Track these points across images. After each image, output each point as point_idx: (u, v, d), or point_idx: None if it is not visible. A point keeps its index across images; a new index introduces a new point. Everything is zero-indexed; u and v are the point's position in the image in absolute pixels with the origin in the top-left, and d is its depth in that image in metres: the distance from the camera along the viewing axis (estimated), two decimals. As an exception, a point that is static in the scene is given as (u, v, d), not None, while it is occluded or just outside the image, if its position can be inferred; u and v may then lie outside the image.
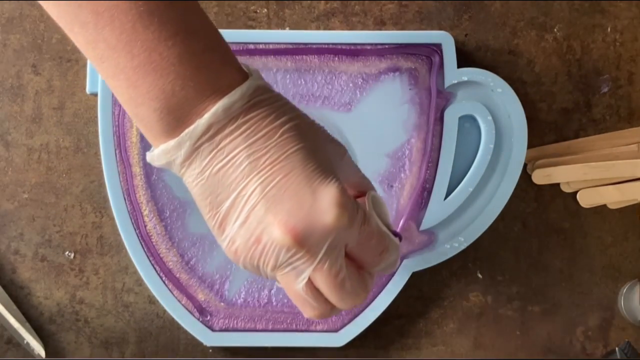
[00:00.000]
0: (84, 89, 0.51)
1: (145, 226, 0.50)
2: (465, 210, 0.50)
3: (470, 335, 0.52)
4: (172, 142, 0.31)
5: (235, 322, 0.50)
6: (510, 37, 0.53)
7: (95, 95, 0.50)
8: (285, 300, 0.50)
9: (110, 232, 0.51)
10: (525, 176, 0.52)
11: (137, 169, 0.50)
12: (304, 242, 0.30)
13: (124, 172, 0.49)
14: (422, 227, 0.50)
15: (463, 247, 0.50)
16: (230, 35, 0.50)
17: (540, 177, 0.52)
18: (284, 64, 0.51)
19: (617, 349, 0.50)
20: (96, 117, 0.51)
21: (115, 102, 0.50)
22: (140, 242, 0.49)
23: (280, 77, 0.51)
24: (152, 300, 0.51)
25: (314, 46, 0.50)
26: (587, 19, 0.53)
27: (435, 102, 0.51)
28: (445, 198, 0.50)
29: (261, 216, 0.30)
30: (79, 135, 0.52)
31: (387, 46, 0.50)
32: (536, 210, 0.53)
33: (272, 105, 0.31)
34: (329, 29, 0.53)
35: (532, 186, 0.53)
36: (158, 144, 0.32)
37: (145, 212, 0.50)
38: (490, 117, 0.50)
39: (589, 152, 0.53)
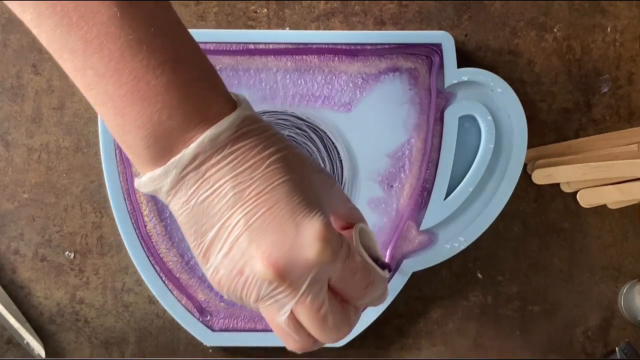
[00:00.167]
0: (84, 89, 0.51)
1: (145, 226, 0.50)
2: (465, 210, 0.50)
3: (470, 335, 0.52)
4: (158, 171, 0.31)
5: (235, 322, 0.50)
6: (510, 37, 0.53)
7: (95, 95, 0.50)
8: (285, 300, 0.50)
9: (110, 232, 0.51)
10: (525, 176, 0.52)
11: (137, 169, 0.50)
12: (285, 276, 0.30)
13: (124, 172, 0.49)
14: (422, 227, 0.50)
15: (463, 247, 0.50)
16: (230, 35, 0.50)
17: (540, 177, 0.52)
18: (284, 64, 0.51)
19: (617, 349, 0.50)
20: (96, 117, 0.51)
21: (115, 102, 0.50)
22: (140, 242, 0.49)
23: (280, 77, 0.51)
24: (152, 300, 0.51)
25: (314, 46, 0.50)
26: (587, 19, 0.53)
27: (435, 102, 0.51)
28: (445, 198, 0.50)
29: (244, 248, 0.30)
30: (79, 135, 0.52)
31: (387, 46, 0.50)
32: (536, 210, 0.53)
33: (260, 136, 0.31)
34: (329, 29, 0.53)
35: (532, 186, 0.53)
36: (145, 172, 0.31)
37: (145, 212, 0.50)
38: (490, 117, 0.50)
39: (589, 152, 0.53)
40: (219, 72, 0.50)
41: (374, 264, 0.35)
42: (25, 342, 0.50)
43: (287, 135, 0.50)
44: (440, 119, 0.50)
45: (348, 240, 0.34)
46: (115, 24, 0.29)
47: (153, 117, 0.30)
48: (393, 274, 0.49)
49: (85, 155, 0.52)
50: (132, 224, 0.49)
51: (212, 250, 0.31)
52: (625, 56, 0.53)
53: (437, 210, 0.50)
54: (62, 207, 0.52)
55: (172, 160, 0.30)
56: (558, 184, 0.52)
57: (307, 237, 0.30)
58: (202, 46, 0.50)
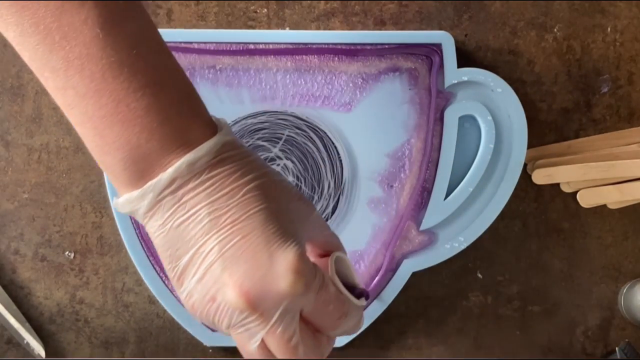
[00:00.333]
0: (84, 89, 0.51)
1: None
2: (465, 210, 0.50)
3: (470, 335, 0.52)
4: (135, 193, 0.31)
5: (235, 322, 0.50)
6: (510, 37, 0.53)
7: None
8: (285, 300, 0.50)
9: (110, 232, 0.51)
10: (525, 176, 0.52)
11: (137, 169, 0.50)
12: (257, 306, 0.30)
13: (124, 172, 0.49)
14: (422, 227, 0.50)
15: (463, 247, 0.50)
16: (230, 35, 0.50)
17: (540, 177, 0.52)
18: (284, 64, 0.51)
19: (617, 349, 0.50)
20: (96, 117, 0.51)
21: (115, 102, 0.50)
22: (140, 242, 0.49)
23: (280, 77, 0.51)
24: (152, 300, 0.51)
25: (314, 46, 0.50)
26: (587, 19, 0.53)
27: (435, 102, 0.51)
28: (445, 198, 0.50)
29: (217, 275, 0.30)
30: (79, 135, 0.52)
31: (387, 46, 0.50)
32: (536, 210, 0.53)
33: (239, 162, 0.31)
34: (329, 29, 0.53)
35: (532, 186, 0.52)
36: (123, 192, 0.31)
37: (145, 212, 0.50)
38: (490, 117, 0.50)
39: (589, 152, 0.53)
40: (218, 72, 0.50)
41: (348, 294, 0.35)
42: (25, 342, 0.50)
43: (287, 135, 0.50)
44: (440, 119, 0.50)
45: (323, 270, 0.34)
46: (97, 45, 0.29)
47: (132, 139, 0.30)
48: (393, 274, 0.49)
49: (85, 155, 0.52)
50: (132, 224, 0.49)
51: (186, 274, 0.31)
52: (625, 56, 0.53)
53: (437, 210, 0.50)
54: (62, 207, 0.52)
55: (149, 183, 0.30)
56: (558, 184, 0.52)
57: (280, 268, 0.30)
58: (202, 46, 0.50)
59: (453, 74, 0.50)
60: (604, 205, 0.53)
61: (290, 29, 0.53)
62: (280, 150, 0.50)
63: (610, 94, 0.53)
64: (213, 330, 0.49)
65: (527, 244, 0.53)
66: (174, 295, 0.49)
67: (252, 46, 0.50)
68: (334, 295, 0.33)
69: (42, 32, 0.28)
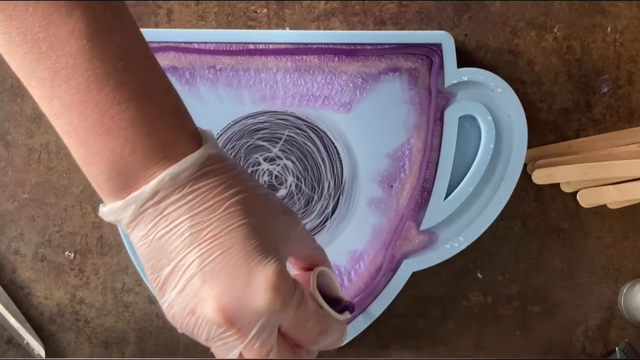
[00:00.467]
0: (84, 89, 0.51)
1: (145, 226, 0.50)
2: (465, 210, 0.50)
3: (470, 335, 0.52)
4: (119, 203, 0.31)
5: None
6: (510, 37, 0.53)
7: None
8: (285, 300, 0.50)
9: (110, 232, 0.51)
10: (525, 176, 0.52)
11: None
12: (234, 322, 0.30)
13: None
14: (422, 227, 0.50)
15: (463, 247, 0.50)
16: (230, 35, 0.50)
17: (540, 177, 0.52)
18: (284, 64, 0.51)
19: (617, 349, 0.50)
20: (96, 117, 0.51)
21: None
22: (140, 242, 0.49)
23: (280, 77, 0.51)
24: (152, 300, 0.51)
25: (314, 46, 0.50)
26: (587, 19, 0.53)
27: (435, 102, 0.51)
28: (445, 198, 0.50)
29: (197, 289, 0.30)
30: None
31: (387, 46, 0.50)
32: (536, 210, 0.53)
33: (223, 176, 0.31)
34: (329, 29, 0.53)
35: (532, 186, 0.53)
36: (107, 202, 0.32)
37: (145, 212, 0.50)
38: (490, 117, 0.50)
39: (589, 152, 0.53)
40: (218, 72, 0.50)
41: (330, 310, 0.35)
42: (25, 342, 0.50)
43: (287, 135, 0.50)
44: (440, 119, 0.50)
45: (305, 284, 0.34)
46: (83, 56, 0.29)
47: (115, 151, 0.30)
48: (393, 274, 0.49)
49: (85, 155, 0.52)
50: (132, 224, 0.49)
51: (167, 286, 0.31)
52: (625, 56, 0.53)
53: (437, 210, 0.50)
54: (62, 207, 0.52)
55: (132, 195, 0.30)
56: (558, 184, 0.52)
57: (258, 285, 0.30)
58: (202, 46, 0.50)
59: (453, 74, 0.50)
60: (604, 205, 0.53)
61: (290, 29, 0.53)
62: (280, 150, 0.50)
63: (610, 94, 0.53)
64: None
65: (527, 244, 0.53)
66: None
67: (252, 46, 0.50)
68: (313, 312, 0.33)
69: (29, 42, 0.29)
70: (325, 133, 0.50)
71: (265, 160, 0.50)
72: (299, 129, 0.50)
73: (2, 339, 0.51)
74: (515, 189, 0.50)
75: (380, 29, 0.53)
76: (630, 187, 0.52)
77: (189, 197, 0.30)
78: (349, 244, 0.50)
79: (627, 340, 0.51)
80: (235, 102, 0.51)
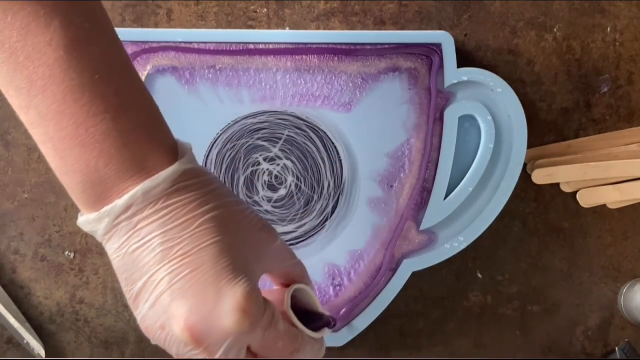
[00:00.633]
0: (84, 89, 0.51)
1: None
2: (465, 210, 0.50)
3: (470, 335, 0.52)
4: (93, 215, 0.31)
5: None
6: (510, 37, 0.53)
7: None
8: (285, 300, 0.50)
9: (110, 232, 0.51)
10: (525, 176, 0.52)
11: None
12: (201, 341, 0.30)
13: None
14: (422, 227, 0.50)
15: (463, 247, 0.50)
16: (230, 35, 0.50)
17: (540, 177, 0.52)
18: (284, 64, 0.51)
19: (617, 349, 0.50)
20: (96, 117, 0.51)
21: (115, 102, 0.50)
22: (140, 242, 0.49)
23: (280, 77, 0.51)
24: (152, 300, 0.51)
25: (314, 46, 0.50)
26: (587, 19, 0.53)
27: (435, 102, 0.51)
28: (445, 198, 0.50)
29: (166, 306, 0.30)
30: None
31: (387, 46, 0.50)
32: (536, 210, 0.53)
33: (197, 192, 0.31)
34: (329, 29, 0.53)
35: (532, 186, 0.53)
36: (83, 213, 0.32)
37: (145, 212, 0.50)
38: (490, 117, 0.50)
39: (589, 152, 0.53)
40: (218, 72, 0.50)
41: (304, 329, 0.35)
42: (25, 342, 0.50)
43: (287, 135, 0.50)
44: (440, 119, 0.50)
45: (278, 303, 0.34)
46: (60, 67, 0.29)
47: (90, 163, 0.30)
48: (393, 274, 0.49)
49: (85, 155, 0.52)
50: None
51: (140, 299, 0.31)
52: (625, 56, 0.53)
53: (437, 210, 0.50)
54: (62, 207, 0.52)
55: (106, 208, 0.30)
56: (558, 184, 0.52)
57: (226, 306, 0.30)
58: (202, 46, 0.50)
59: (453, 74, 0.50)
60: (604, 205, 0.53)
61: (290, 29, 0.53)
62: (280, 150, 0.50)
63: (610, 94, 0.53)
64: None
65: (527, 244, 0.53)
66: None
67: (252, 46, 0.50)
68: (284, 332, 0.33)
69: (8, 51, 0.29)
70: (325, 133, 0.50)
71: (265, 160, 0.50)
72: (299, 129, 0.50)
73: (2, 339, 0.51)
74: (515, 189, 0.50)
75: (380, 29, 0.53)
76: (630, 187, 0.52)
77: (162, 213, 0.30)
78: (349, 244, 0.50)
79: (627, 340, 0.51)
80: (235, 102, 0.51)
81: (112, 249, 0.31)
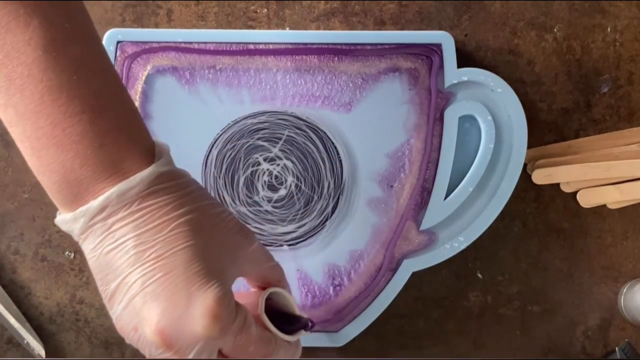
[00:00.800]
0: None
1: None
2: (465, 210, 0.50)
3: (470, 335, 0.52)
4: (68, 215, 0.31)
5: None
6: (510, 37, 0.53)
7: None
8: (285, 300, 0.50)
9: (110, 232, 0.51)
10: (525, 176, 0.52)
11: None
12: (171, 345, 0.30)
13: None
14: (422, 227, 0.50)
15: (463, 247, 0.50)
16: (230, 35, 0.50)
17: (540, 177, 0.52)
18: (284, 64, 0.51)
19: (617, 349, 0.50)
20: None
21: (115, 102, 0.50)
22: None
23: (280, 77, 0.51)
24: (152, 300, 0.51)
25: (314, 46, 0.50)
26: (587, 19, 0.53)
27: (435, 102, 0.51)
28: (445, 198, 0.50)
29: (138, 308, 0.30)
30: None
31: (387, 46, 0.50)
32: (536, 210, 0.53)
33: (173, 195, 0.31)
34: (329, 29, 0.53)
35: (532, 186, 0.52)
36: (61, 212, 0.32)
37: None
38: (490, 117, 0.50)
39: (589, 152, 0.53)
40: (218, 72, 0.50)
41: (277, 332, 0.35)
42: (25, 342, 0.50)
43: (287, 135, 0.50)
44: (440, 119, 0.50)
45: (253, 306, 0.34)
46: (38, 66, 0.29)
47: (66, 164, 0.30)
48: (393, 274, 0.49)
49: (85, 155, 0.52)
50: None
51: (114, 300, 0.31)
52: (625, 56, 0.53)
53: (437, 210, 0.50)
54: (62, 207, 0.52)
55: (81, 209, 0.30)
56: (558, 184, 0.52)
57: (196, 311, 0.30)
58: (202, 46, 0.50)
59: (453, 74, 0.50)
60: (604, 205, 0.53)
61: (290, 29, 0.53)
62: (280, 150, 0.50)
63: (610, 94, 0.53)
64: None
65: (527, 244, 0.53)
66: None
67: (252, 46, 0.50)
68: (256, 337, 0.33)
69: None
70: (325, 133, 0.50)
71: (265, 160, 0.50)
72: (299, 129, 0.50)
73: (2, 339, 0.51)
74: (515, 189, 0.50)
75: (380, 29, 0.53)
76: (630, 187, 0.52)
77: (136, 215, 0.30)
78: (349, 243, 0.50)
79: (627, 340, 0.51)
80: (235, 102, 0.51)
81: (88, 249, 0.31)
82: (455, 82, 0.50)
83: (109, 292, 0.31)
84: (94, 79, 0.31)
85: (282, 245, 0.49)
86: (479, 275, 0.52)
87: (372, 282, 0.50)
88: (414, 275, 0.50)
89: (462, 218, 0.50)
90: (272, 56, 0.51)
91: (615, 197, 0.52)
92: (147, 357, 0.32)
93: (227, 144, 0.50)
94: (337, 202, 0.50)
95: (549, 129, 0.53)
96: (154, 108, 0.50)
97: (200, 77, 0.51)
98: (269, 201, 0.50)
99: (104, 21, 0.53)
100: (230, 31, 0.51)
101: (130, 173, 0.31)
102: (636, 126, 0.53)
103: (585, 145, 0.53)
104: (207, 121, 0.50)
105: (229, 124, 0.50)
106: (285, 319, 0.37)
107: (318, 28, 0.53)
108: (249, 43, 0.50)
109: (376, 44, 0.50)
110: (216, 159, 0.50)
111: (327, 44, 0.50)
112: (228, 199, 0.50)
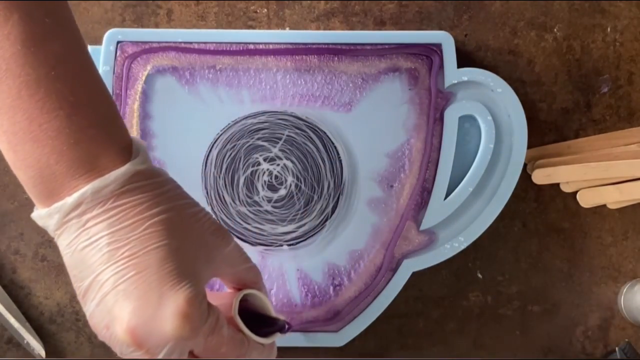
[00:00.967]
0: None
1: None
2: (465, 210, 0.50)
3: (470, 335, 0.52)
4: (44, 211, 0.31)
5: (235, 322, 0.50)
6: (510, 37, 0.53)
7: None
8: (285, 300, 0.50)
9: (110, 232, 0.51)
10: (525, 176, 0.52)
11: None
12: (142, 344, 0.30)
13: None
14: (422, 227, 0.50)
15: (463, 247, 0.50)
16: (230, 35, 0.50)
17: (540, 177, 0.52)
18: (284, 64, 0.51)
19: (617, 349, 0.50)
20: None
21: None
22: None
23: (280, 77, 0.51)
24: (152, 300, 0.51)
25: (314, 46, 0.50)
26: (587, 19, 0.53)
27: (435, 102, 0.51)
28: (445, 198, 0.50)
29: (110, 307, 0.30)
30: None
31: (387, 46, 0.50)
32: (536, 210, 0.53)
33: (148, 194, 0.31)
34: (329, 29, 0.53)
35: (532, 186, 0.52)
36: (37, 207, 0.32)
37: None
38: (490, 117, 0.50)
39: (589, 152, 0.53)
40: (218, 72, 0.50)
41: (250, 334, 0.35)
42: (25, 342, 0.50)
43: (287, 135, 0.50)
44: (440, 119, 0.50)
45: (227, 308, 0.34)
46: (16, 61, 0.29)
47: (42, 159, 0.30)
48: (393, 274, 0.49)
49: (85, 155, 0.52)
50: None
51: (87, 297, 0.31)
52: (625, 56, 0.53)
53: (437, 210, 0.50)
54: (62, 207, 0.52)
55: (56, 205, 0.30)
56: (558, 184, 0.52)
57: (167, 311, 0.30)
58: (202, 46, 0.50)
59: (453, 74, 0.50)
60: (604, 205, 0.53)
61: (290, 29, 0.53)
62: (280, 150, 0.50)
63: (610, 94, 0.53)
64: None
65: (527, 244, 0.53)
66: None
67: (252, 46, 0.50)
68: (228, 338, 0.33)
69: None
70: (325, 133, 0.50)
71: (265, 160, 0.50)
72: (298, 129, 0.50)
73: (2, 339, 0.51)
74: (515, 189, 0.50)
75: (380, 29, 0.53)
76: (630, 187, 0.52)
77: (111, 213, 0.30)
78: (349, 243, 0.50)
79: (627, 340, 0.51)
80: (235, 102, 0.51)
81: (63, 245, 0.31)
82: (455, 82, 0.50)
83: (82, 288, 0.31)
84: (73, 75, 0.31)
85: (282, 245, 0.49)
86: (479, 275, 0.52)
87: (372, 282, 0.50)
88: (414, 275, 0.50)
89: (462, 218, 0.50)
90: (272, 56, 0.51)
91: (615, 197, 0.52)
92: (119, 355, 0.32)
93: (227, 144, 0.50)
94: (337, 202, 0.50)
95: (549, 129, 0.53)
96: (154, 108, 0.50)
97: (200, 77, 0.51)
98: (269, 201, 0.50)
99: (104, 21, 0.53)
100: (230, 31, 0.51)
101: (106, 171, 0.31)
102: (636, 126, 0.53)
103: (585, 145, 0.53)
104: (207, 121, 0.50)
105: (229, 124, 0.50)
106: (261, 321, 0.37)
107: (318, 28, 0.53)
108: (249, 43, 0.50)
109: (376, 44, 0.50)
110: (216, 159, 0.50)
111: (327, 44, 0.50)
112: (228, 199, 0.50)
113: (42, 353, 0.50)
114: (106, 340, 0.32)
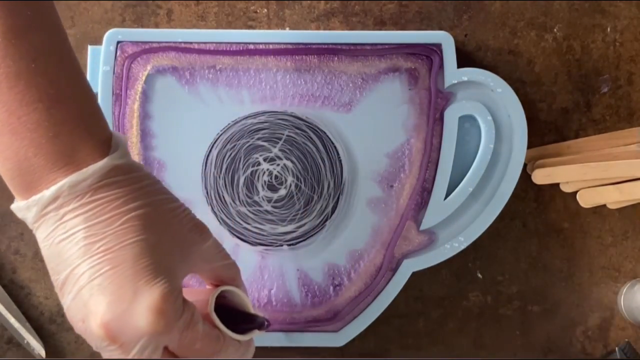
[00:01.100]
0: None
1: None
2: (465, 210, 0.50)
3: (470, 335, 0.52)
4: (22, 203, 0.31)
5: (235, 322, 0.50)
6: (510, 37, 0.53)
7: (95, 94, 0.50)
8: (285, 300, 0.50)
9: (110, 232, 0.51)
10: (525, 176, 0.52)
11: (137, 169, 0.50)
12: (116, 339, 0.30)
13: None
14: (422, 227, 0.50)
15: (463, 247, 0.50)
16: (230, 35, 0.50)
17: (540, 177, 0.52)
18: (284, 64, 0.51)
19: (617, 349, 0.50)
20: (96, 117, 0.51)
21: (115, 102, 0.50)
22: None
23: (280, 77, 0.51)
24: (152, 300, 0.51)
25: (314, 46, 0.50)
26: (587, 19, 0.53)
27: (435, 102, 0.51)
28: (445, 198, 0.50)
29: (85, 301, 0.30)
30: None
31: (387, 46, 0.50)
32: (536, 210, 0.53)
33: (125, 189, 0.31)
34: (329, 29, 0.53)
35: (532, 186, 0.53)
36: (16, 199, 0.32)
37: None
38: (490, 117, 0.50)
39: (589, 152, 0.53)
40: (218, 72, 0.50)
41: (226, 331, 0.35)
42: (25, 342, 0.50)
43: (287, 135, 0.50)
44: (440, 119, 0.50)
45: (203, 304, 0.34)
46: None
47: (20, 152, 0.30)
48: (393, 274, 0.49)
49: (85, 155, 0.52)
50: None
51: (64, 290, 0.31)
52: (625, 56, 0.53)
53: (437, 210, 0.50)
54: (62, 207, 0.52)
55: (33, 198, 0.30)
56: (558, 184, 0.52)
57: (141, 306, 0.30)
58: (202, 46, 0.50)
59: (453, 74, 0.50)
60: (604, 205, 0.53)
61: (290, 29, 0.53)
62: (280, 150, 0.50)
63: (610, 94, 0.53)
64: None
65: (527, 244, 0.53)
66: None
67: (252, 46, 0.50)
68: (203, 334, 0.33)
69: None
70: (325, 133, 0.50)
71: (265, 160, 0.50)
72: (298, 129, 0.50)
73: (2, 339, 0.51)
74: (515, 189, 0.50)
75: (380, 29, 0.53)
76: (630, 187, 0.52)
77: (87, 207, 0.30)
78: (349, 243, 0.50)
79: (627, 340, 0.51)
80: (235, 102, 0.51)
81: (41, 237, 0.31)
82: (455, 82, 0.50)
83: (59, 282, 0.31)
84: (53, 68, 0.31)
85: (282, 245, 0.49)
86: (479, 275, 0.52)
87: (372, 282, 0.50)
88: (414, 275, 0.50)
89: (462, 218, 0.50)
90: (272, 56, 0.51)
91: (615, 197, 0.52)
92: (94, 349, 0.32)
93: (227, 144, 0.50)
94: (337, 202, 0.50)
95: (548, 129, 0.53)
96: (154, 108, 0.50)
97: (200, 77, 0.51)
98: (269, 201, 0.50)
99: (104, 21, 0.53)
100: (230, 31, 0.51)
101: (84, 164, 0.31)
102: (636, 126, 0.53)
103: (585, 145, 0.53)
104: (207, 121, 0.50)
105: (229, 124, 0.50)
106: (240, 318, 0.37)
107: (318, 28, 0.53)
108: (249, 43, 0.50)
109: (376, 44, 0.50)
110: (216, 159, 0.50)
111: (327, 44, 0.50)
112: (228, 199, 0.50)
113: (42, 353, 0.50)
114: (82, 334, 0.32)
